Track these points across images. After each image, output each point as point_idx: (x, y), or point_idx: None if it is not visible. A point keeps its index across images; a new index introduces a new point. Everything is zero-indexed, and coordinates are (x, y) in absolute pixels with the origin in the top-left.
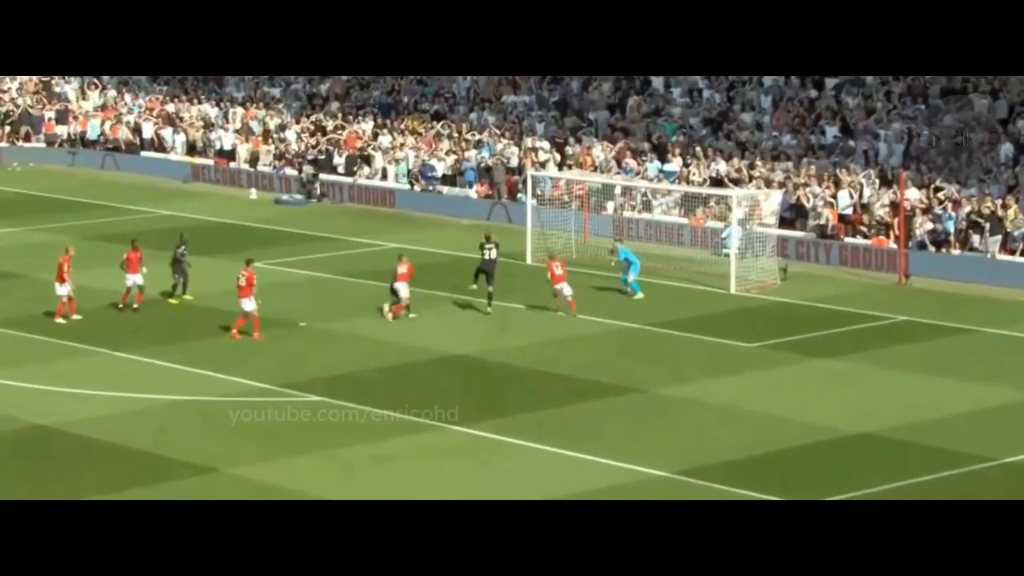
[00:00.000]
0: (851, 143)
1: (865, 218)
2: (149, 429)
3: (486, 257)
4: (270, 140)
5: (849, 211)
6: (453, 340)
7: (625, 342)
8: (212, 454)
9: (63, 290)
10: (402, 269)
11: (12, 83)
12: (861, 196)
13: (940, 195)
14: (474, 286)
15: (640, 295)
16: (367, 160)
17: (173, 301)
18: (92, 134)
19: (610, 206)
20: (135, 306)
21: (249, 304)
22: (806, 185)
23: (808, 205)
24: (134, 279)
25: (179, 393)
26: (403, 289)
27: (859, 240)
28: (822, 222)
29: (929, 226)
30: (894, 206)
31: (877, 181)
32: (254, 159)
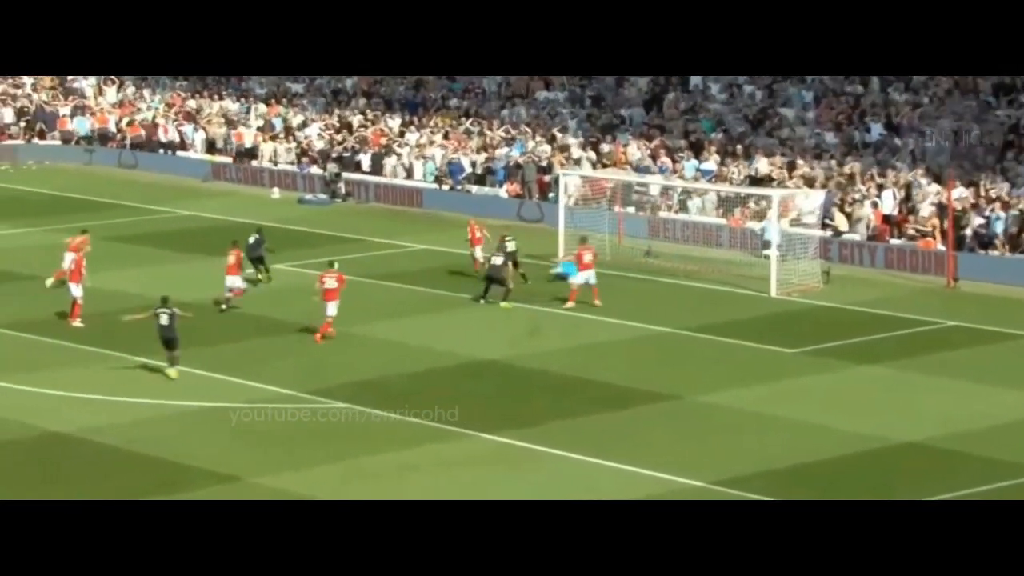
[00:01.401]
0: (897, 141)
1: (911, 219)
2: (170, 436)
3: (493, 262)
4: (291, 137)
5: (894, 212)
6: (481, 344)
7: (661, 347)
8: (234, 462)
9: (78, 291)
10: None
11: (27, 79)
12: (908, 196)
13: (990, 194)
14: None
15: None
16: (396, 155)
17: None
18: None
19: (633, 208)
20: (234, 304)
21: (333, 308)
22: (849, 184)
23: (848, 207)
24: (233, 281)
25: (201, 399)
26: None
27: (905, 242)
28: (863, 223)
29: (978, 221)
30: (941, 207)
31: (924, 181)
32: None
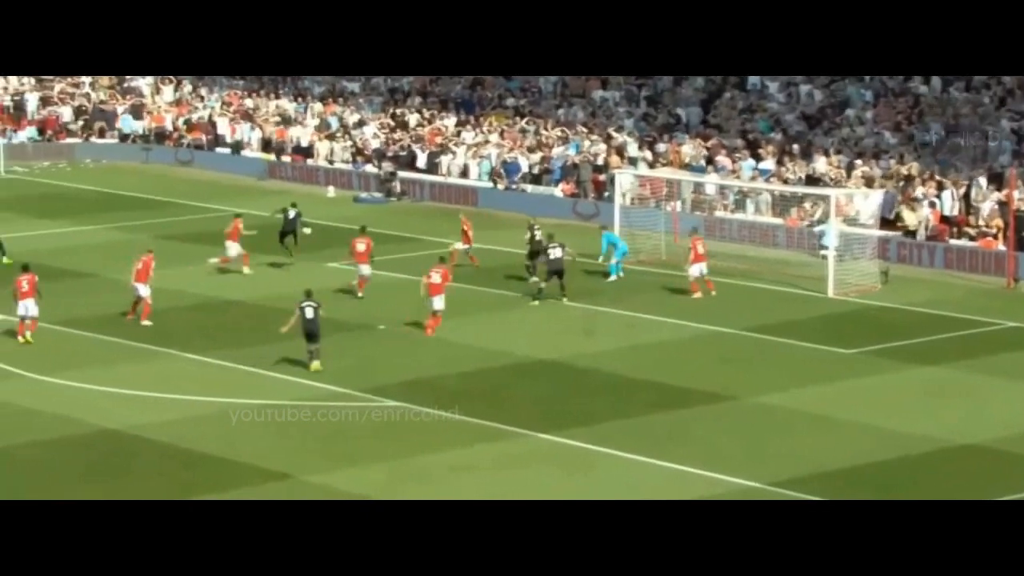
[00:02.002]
0: (958, 140)
1: (971, 219)
2: (220, 434)
3: (552, 256)
4: (347, 136)
5: (954, 212)
6: (537, 344)
7: (717, 347)
8: (285, 460)
9: (145, 291)
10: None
11: (86, 77)
12: (968, 196)
13: None
14: (535, 279)
15: (613, 277)
16: (451, 154)
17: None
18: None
19: (688, 207)
20: (359, 294)
21: (440, 302)
22: (908, 184)
23: (905, 206)
24: (364, 269)
25: (252, 397)
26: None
27: (965, 242)
28: (922, 223)
29: None
30: (1002, 206)
31: (984, 180)
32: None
